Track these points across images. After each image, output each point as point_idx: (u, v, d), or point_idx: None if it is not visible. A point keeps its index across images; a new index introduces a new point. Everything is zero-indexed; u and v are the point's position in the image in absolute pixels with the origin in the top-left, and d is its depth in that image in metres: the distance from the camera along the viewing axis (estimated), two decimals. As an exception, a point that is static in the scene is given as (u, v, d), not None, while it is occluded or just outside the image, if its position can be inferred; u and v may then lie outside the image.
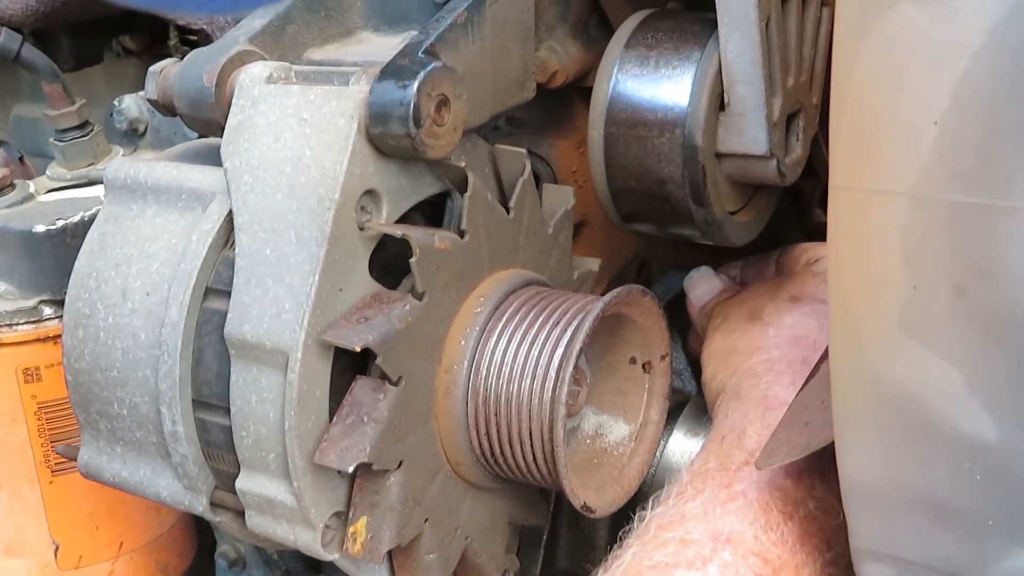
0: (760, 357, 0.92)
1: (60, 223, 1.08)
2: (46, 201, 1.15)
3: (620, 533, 0.84)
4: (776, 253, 1.13)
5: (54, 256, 1.08)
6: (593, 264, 0.98)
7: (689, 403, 1.10)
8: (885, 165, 0.54)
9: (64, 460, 1.11)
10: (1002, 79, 0.50)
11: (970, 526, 0.61)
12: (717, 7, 0.83)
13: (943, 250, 0.54)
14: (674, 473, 1.08)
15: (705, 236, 0.94)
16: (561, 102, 1.09)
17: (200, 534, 1.35)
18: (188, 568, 1.27)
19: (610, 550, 1.10)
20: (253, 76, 0.82)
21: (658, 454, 1.09)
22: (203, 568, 1.41)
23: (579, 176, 1.10)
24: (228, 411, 0.79)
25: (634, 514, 1.09)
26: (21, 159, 1.55)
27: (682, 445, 1.09)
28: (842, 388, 0.61)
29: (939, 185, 0.53)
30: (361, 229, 0.77)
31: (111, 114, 1.26)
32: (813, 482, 0.79)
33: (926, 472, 0.61)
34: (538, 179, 0.95)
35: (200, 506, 0.85)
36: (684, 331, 1.21)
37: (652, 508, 0.83)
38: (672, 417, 1.10)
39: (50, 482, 1.12)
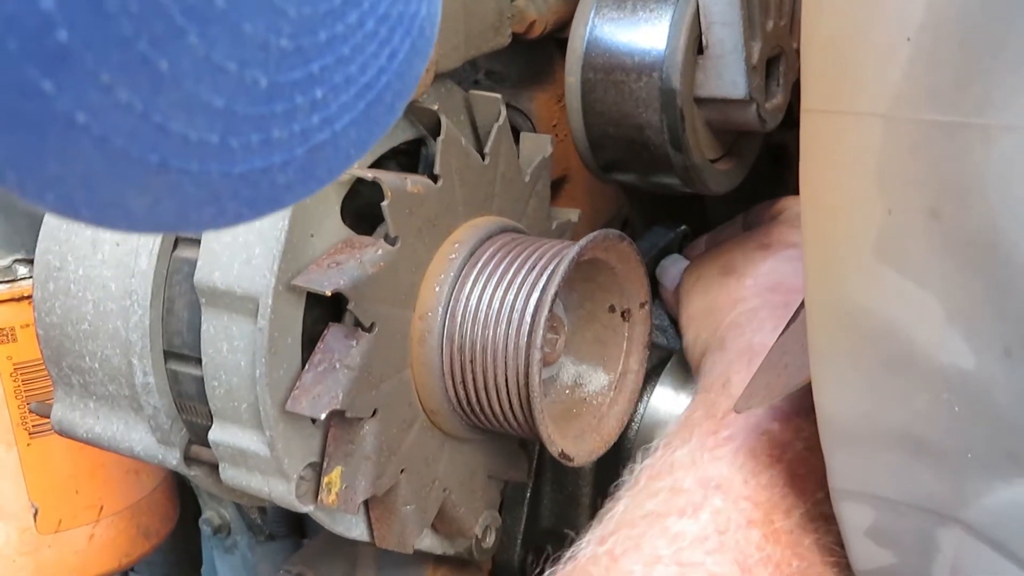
0: (741, 308, 0.91)
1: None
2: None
3: (610, 488, 0.83)
4: (741, 215, 1.12)
5: (28, 214, 1.06)
6: (572, 215, 0.97)
7: (673, 357, 1.09)
8: (858, 86, 0.53)
9: (41, 422, 1.09)
10: (975, -9, 0.49)
11: (949, 461, 0.60)
12: (694, -53, 0.82)
13: (918, 172, 0.53)
14: (660, 428, 1.08)
15: (685, 184, 0.92)
16: (540, 55, 1.07)
17: (184, 501, 1.34)
18: (170, 532, 1.26)
19: (595, 508, 1.10)
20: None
21: (642, 409, 1.08)
22: (187, 535, 1.40)
23: (560, 130, 1.08)
24: (200, 361, 0.78)
25: (619, 471, 1.09)
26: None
27: (666, 400, 1.07)
28: (817, 320, 0.60)
29: (913, 104, 0.52)
30: (333, 175, 0.75)
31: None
32: (800, 423, 0.78)
33: (904, 406, 0.59)
34: (518, 133, 0.93)
35: (174, 460, 0.84)
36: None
37: (641, 461, 0.82)
38: (656, 372, 1.09)
39: (28, 444, 1.11)
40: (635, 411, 1.08)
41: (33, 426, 1.10)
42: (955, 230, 0.53)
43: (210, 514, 1.38)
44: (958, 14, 0.50)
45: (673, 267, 1.11)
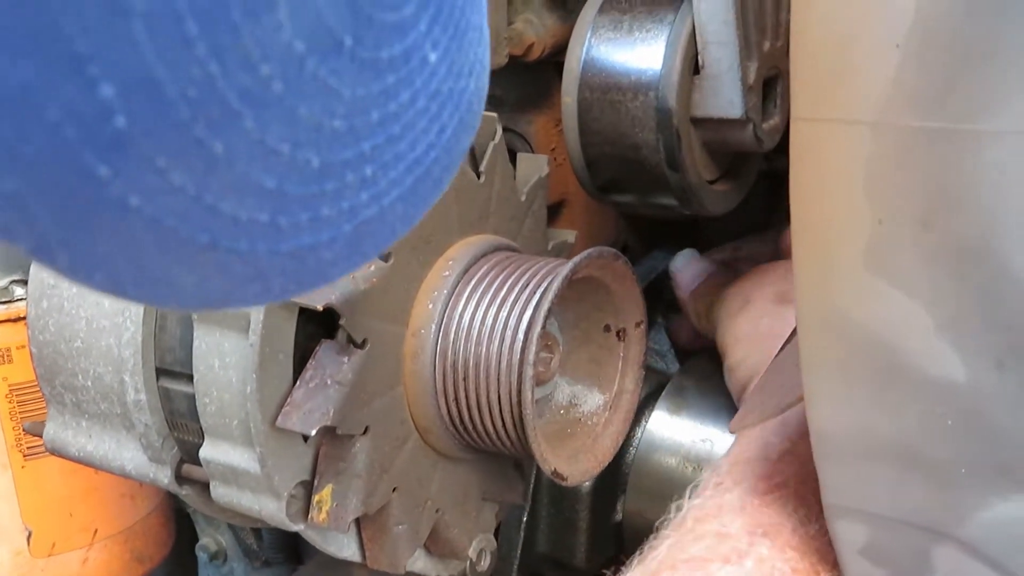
0: None
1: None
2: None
3: (656, 524, 0.81)
4: (773, 232, 1.11)
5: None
6: (569, 236, 0.97)
7: (670, 382, 1.09)
8: (846, 93, 0.52)
9: (36, 444, 1.09)
10: (963, -3, 0.48)
11: (943, 476, 0.59)
12: (689, -33, 0.82)
13: (908, 181, 0.52)
14: (657, 452, 1.07)
15: (682, 204, 0.92)
16: (539, 78, 1.08)
17: (181, 528, 1.33)
18: (165, 557, 1.25)
19: (592, 533, 1.09)
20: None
21: (639, 433, 1.07)
22: (184, 562, 1.39)
23: (558, 153, 1.09)
24: (191, 378, 0.77)
25: (617, 496, 1.08)
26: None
27: (663, 424, 1.07)
28: (808, 332, 0.59)
29: (902, 112, 0.51)
30: (327, 191, 0.75)
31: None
32: None
33: (896, 419, 0.58)
34: (516, 156, 0.93)
35: (165, 478, 0.84)
36: (666, 313, 1.19)
37: (689, 498, 0.80)
38: (653, 396, 1.08)
39: (22, 467, 1.10)
40: (632, 435, 1.08)
41: (28, 448, 1.10)
42: (946, 239, 0.52)
43: (206, 540, 1.37)
44: (946, 19, 0.49)
45: (693, 266, 1.09)
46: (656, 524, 0.78)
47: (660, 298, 1.17)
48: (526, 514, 1.07)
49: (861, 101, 0.52)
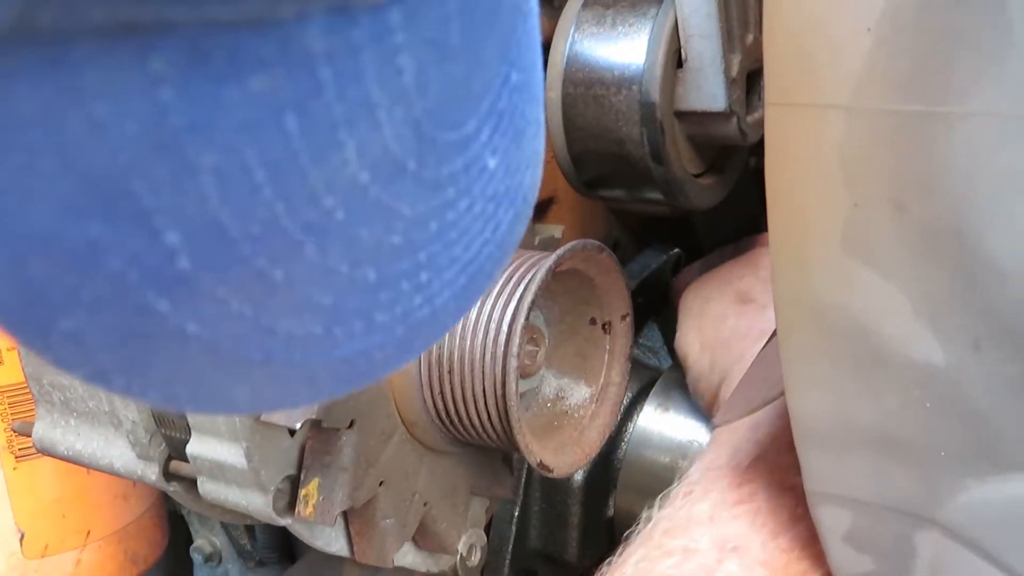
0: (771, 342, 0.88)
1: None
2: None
3: (625, 534, 0.80)
4: (731, 246, 1.10)
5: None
6: (556, 231, 0.97)
7: (661, 378, 1.09)
8: (820, 77, 0.53)
9: (28, 445, 1.09)
10: (933, -21, 0.49)
11: (923, 460, 0.60)
12: (671, -40, 0.82)
13: (882, 164, 0.52)
14: (648, 448, 1.07)
15: (667, 198, 0.92)
16: (526, 75, 1.08)
17: (175, 530, 1.34)
18: (159, 559, 1.25)
19: (584, 528, 1.09)
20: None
21: (630, 428, 1.07)
22: (179, 564, 1.39)
23: (547, 152, 1.09)
24: (178, 374, 0.78)
25: (608, 491, 1.09)
26: None
27: (654, 420, 1.07)
28: (786, 317, 0.59)
29: (875, 95, 0.52)
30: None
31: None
32: None
33: (875, 403, 0.59)
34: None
35: (153, 475, 0.84)
36: (659, 311, 1.19)
37: (659, 507, 0.79)
38: (644, 392, 1.09)
39: (14, 468, 1.10)
40: (623, 431, 1.08)
41: (19, 450, 1.10)
42: (920, 221, 0.53)
43: (201, 542, 1.37)
44: (916, 3, 0.50)
45: (688, 276, 1.09)
46: (625, 534, 0.77)
47: (652, 295, 1.18)
48: (517, 509, 1.07)
49: (834, 85, 0.53)
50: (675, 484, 0.80)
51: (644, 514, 0.79)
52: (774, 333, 0.82)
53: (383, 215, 0.30)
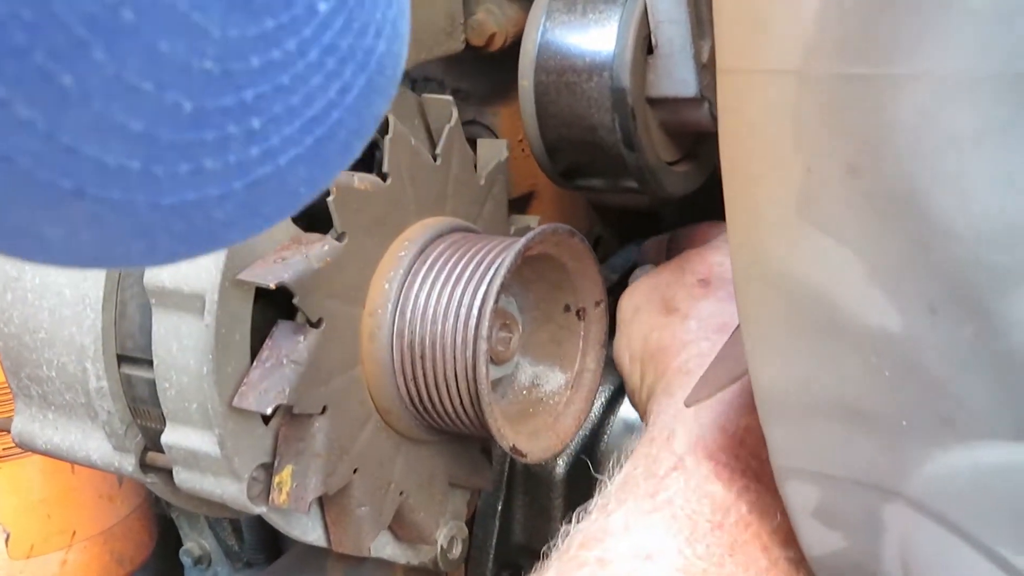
0: (690, 352, 0.86)
1: None
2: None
3: (543, 549, 0.79)
4: (667, 237, 1.09)
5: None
6: (532, 221, 0.97)
7: (642, 369, 1.09)
8: (769, 43, 0.53)
9: (12, 445, 1.09)
10: (877, -60, 0.49)
11: (885, 430, 0.59)
12: (638, -54, 0.83)
13: (833, 128, 0.52)
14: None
15: (642, 186, 0.92)
16: (503, 70, 1.08)
17: (165, 533, 1.34)
18: (147, 560, 1.25)
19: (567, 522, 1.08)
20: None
21: (612, 420, 1.07)
22: (168, 568, 1.39)
23: (526, 144, 1.09)
24: (152, 364, 0.78)
25: (592, 485, 1.08)
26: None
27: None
28: (744, 286, 0.59)
29: (825, 59, 0.52)
30: (281, 173, 0.76)
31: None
32: (747, 483, 0.73)
33: (835, 372, 0.59)
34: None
35: (130, 466, 0.84)
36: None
37: (575, 523, 0.78)
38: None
39: (-2, 468, 1.11)
40: (606, 423, 1.08)
41: (3, 450, 1.10)
42: (873, 185, 0.53)
43: (190, 545, 1.37)
44: (862, -35, 0.50)
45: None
46: (542, 551, 0.76)
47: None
48: (501, 503, 1.07)
49: (784, 50, 0.53)
50: (593, 500, 0.78)
51: (562, 529, 0.77)
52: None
53: (184, 29, 0.28)
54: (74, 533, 1.16)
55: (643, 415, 0.91)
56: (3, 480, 1.11)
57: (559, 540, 0.76)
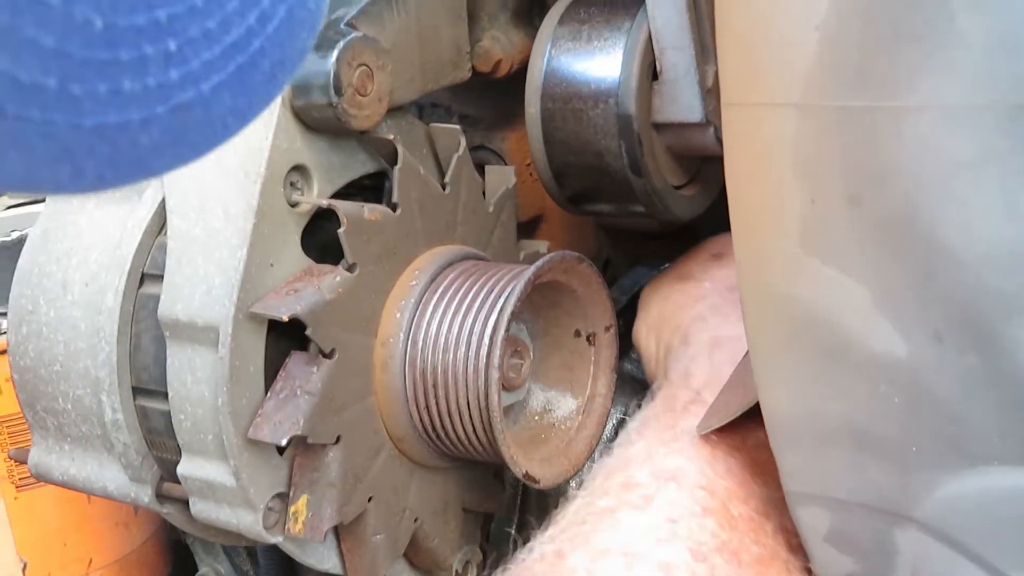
0: (704, 304, 0.90)
1: (16, 235, 1.09)
2: (5, 216, 1.15)
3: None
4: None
5: (11, 268, 1.08)
6: (541, 246, 0.98)
7: (650, 390, 1.09)
8: (772, 77, 0.54)
9: (28, 475, 1.10)
10: (875, -25, 0.50)
11: (895, 456, 0.60)
12: (642, -26, 0.84)
13: (835, 159, 0.53)
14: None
15: (649, 210, 0.93)
16: (511, 96, 1.09)
17: (180, 559, 1.34)
18: (163, 587, 1.26)
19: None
20: (182, 62, 0.82)
21: (623, 443, 1.08)
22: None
23: (533, 169, 1.10)
24: (167, 396, 0.79)
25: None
26: (-1, 195, 1.57)
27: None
28: (753, 315, 0.60)
29: (825, 92, 0.52)
30: (292, 205, 0.77)
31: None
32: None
33: (844, 399, 0.59)
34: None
35: (146, 497, 0.85)
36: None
37: (599, 458, 0.81)
38: (637, 406, 1.09)
39: (15, 498, 1.12)
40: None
41: (20, 479, 1.11)
42: (875, 214, 0.53)
43: (205, 570, 1.37)
44: (861, 2, 0.51)
45: None
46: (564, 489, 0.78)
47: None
48: (514, 526, 1.07)
49: (786, 84, 0.54)
50: (616, 440, 0.82)
51: (586, 465, 0.80)
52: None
53: None
54: (91, 561, 1.16)
55: (660, 374, 0.93)
56: (20, 510, 1.12)
57: (582, 474, 0.78)
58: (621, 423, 1.07)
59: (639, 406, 1.08)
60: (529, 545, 0.74)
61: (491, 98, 1.09)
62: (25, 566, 1.13)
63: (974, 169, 0.50)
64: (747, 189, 0.57)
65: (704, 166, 0.98)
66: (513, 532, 1.07)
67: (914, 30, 0.49)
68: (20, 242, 1.08)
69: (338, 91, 0.74)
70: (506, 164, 1.09)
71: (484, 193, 0.92)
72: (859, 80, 0.51)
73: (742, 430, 0.74)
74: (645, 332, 0.96)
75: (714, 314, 0.87)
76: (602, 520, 0.71)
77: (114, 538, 1.18)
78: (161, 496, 0.85)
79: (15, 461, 1.06)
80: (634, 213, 0.97)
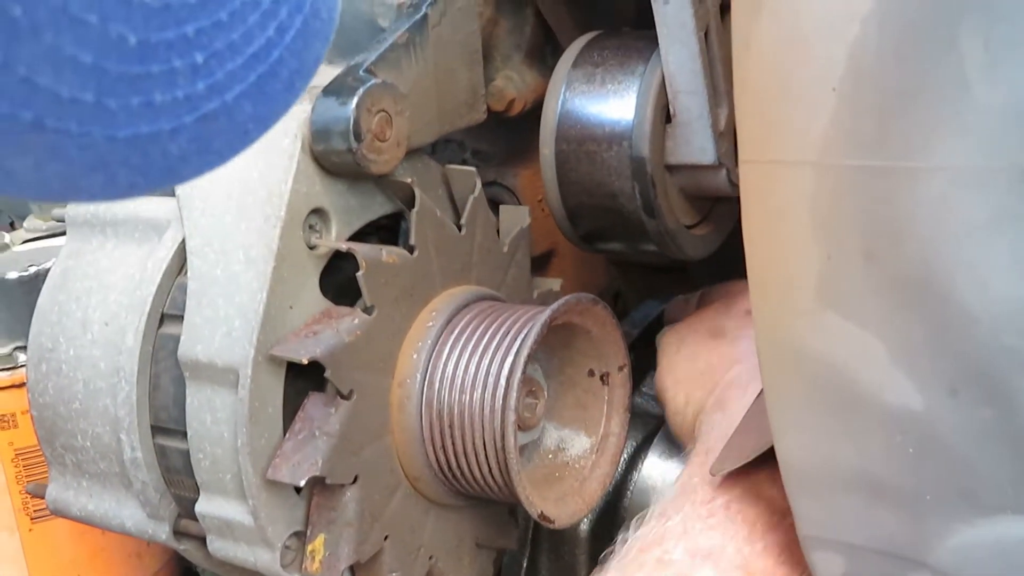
0: (741, 368, 0.89)
1: (33, 270, 1.10)
2: (21, 251, 1.17)
3: (601, 556, 0.82)
4: (696, 296, 1.11)
5: (28, 303, 1.09)
6: (554, 284, 0.99)
7: (664, 425, 1.10)
8: (789, 135, 0.55)
9: (44, 507, 1.11)
10: (891, 41, 0.51)
11: (909, 504, 0.61)
12: (656, 19, 0.85)
13: (851, 217, 0.54)
14: (653, 495, 1.08)
15: (662, 249, 0.94)
16: (524, 132, 1.10)
17: (191, 586, 1.35)
18: (174, 616, 1.27)
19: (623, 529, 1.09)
20: (203, 105, 0.83)
21: (635, 477, 1.09)
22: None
23: (545, 205, 1.11)
24: (186, 435, 0.79)
25: (615, 538, 1.09)
26: (12, 224, 1.58)
27: (658, 468, 1.08)
28: (769, 367, 0.61)
29: (841, 151, 0.53)
30: (311, 248, 0.78)
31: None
32: None
33: (860, 449, 0.60)
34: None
35: (164, 534, 0.85)
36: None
37: (635, 530, 0.81)
38: (647, 441, 1.10)
39: (29, 530, 1.12)
40: (628, 480, 1.09)
41: (35, 511, 1.12)
42: (891, 271, 0.54)
43: (216, 600, 1.38)
44: (877, 63, 0.52)
45: (681, 313, 1.10)
46: (601, 556, 0.79)
47: (654, 344, 1.19)
48: (526, 561, 1.08)
49: (803, 142, 0.55)
50: (650, 507, 0.81)
51: (620, 536, 0.80)
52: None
53: None
54: (104, 592, 1.17)
55: (686, 434, 0.94)
56: (34, 542, 1.13)
57: (616, 547, 0.79)
58: (631, 457, 1.08)
59: (648, 441, 1.10)
60: None
61: (503, 134, 1.11)
62: (39, 597, 1.13)
63: (988, 230, 0.51)
64: (764, 244, 0.58)
65: (716, 206, 0.99)
66: (524, 569, 1.08)
67: (930, 94, 0.50)
68: (37, 276, 1.10)
69: (358, 137, 0.75)
70: (518, 200, 1.10)
71: (498, 232, 0.93)
72: (876, 140, 0.53)
73: (780, 508, 0.74)
74: (672, 385, 0.95)
75: (752, 379, 0.85)
76: None
77: (127, 569, 1.19)
78: (178, 533, 0.86)
79: (33, 496, 1.07)
80: (646, 251, 0.98)
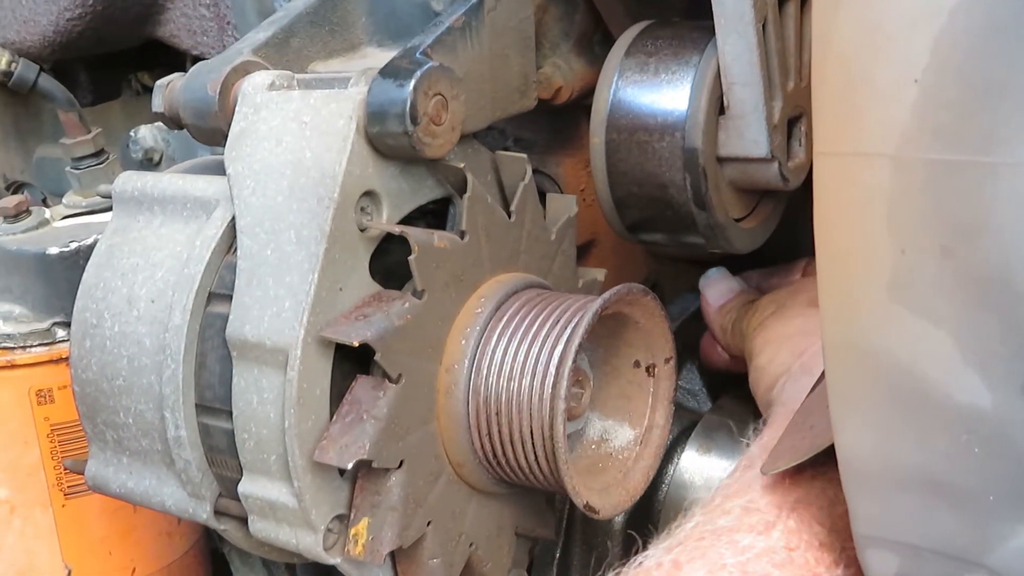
0: None
1: (73, 245, 1.10)
2: (61, 226, 1.16)
3: (686, 505, 0.82)
4: (803, 262, 1.12)
5: (67, 278, 1.09)
6: (599, 274, 0.98)
7: (701, 420, 1.10)
8: (867, 127, 0.54)
9: (77, 483, 1.11)
10: (977, 34, 0.50)
11: (971, 504, 0.60)
12: (714, 9, 0.84)
13: (928, 211, 0.54)
14: (689, 489, 1.07)
15: (709, 242, 0.93)
16: (568, 121, 1.10)
17: (217, 567, 1.35)
18: (202, 596, 1.27)
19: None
20: (256, 84, 0.83)
21: (671, 470, 1.08)
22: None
23: (587, 194, 1.10)
24: (231, 415, 0.79)
25: (649, 532, 1.09)
26: (44, 200, 1.58)
27: (695, 462, 1.08)
28: (835, 361, 0.60)
29: (921, 144, 0.53)
30: (362, 230, 0.78)
31: (127, 144, 1.28)
32: None
33: (923, 447, 0.59)
34: (545, 198, 0.95)
35: (204, 513, 0.85)
36: (697, 350, 1.20)
37: (689, 521, 0.81)
38: (685, 434, 1.09)
39: (63, 505, 1.13)
40: (664, 473, 1.08)
41: (68, 487, 1.12)
42: (967, 268, 0.53)
43: (243, 581, 1.38)
44: (963, 57, 0.51)
45: (722, 282, 1.12)
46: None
47: (692, 338, 1.18)
48: (559, 551, 1.07)
49: (881, 135, 0.54)
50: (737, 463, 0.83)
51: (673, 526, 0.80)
52: (816, 383, 0.83)
53: None
54: (134, 570, 1.17)
55: (762, 393, 0.95)
56: (67, 518, 1.13)
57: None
58: (669, 451, 1.08)
59: (685, 435, 1.09)
60: (645, 553, 0.74)
61: (547, 123, 1.10)
62: (69, 572, 1.13)
63: (1070, 228, 0.50)
64: (836, 237, 0.57)
65: (763, 199, 0.98)
66: (556, 559, 1.08)
67: (1014, 90, 0.50)
68: (78, 252, 1.10)
69: (414, 120, 0.75)
70: (561, 189, 1.10)
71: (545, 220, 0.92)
72: (956, 134, 0.52)
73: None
74: (762, 344, 0.96)
75: None
76: (720, 538, 0.72)
77: (158, 547, 1.19)
78: (219, 513, 0.85)
79: (70, 471, 1.07)
80: (688, 244, 0.97)
